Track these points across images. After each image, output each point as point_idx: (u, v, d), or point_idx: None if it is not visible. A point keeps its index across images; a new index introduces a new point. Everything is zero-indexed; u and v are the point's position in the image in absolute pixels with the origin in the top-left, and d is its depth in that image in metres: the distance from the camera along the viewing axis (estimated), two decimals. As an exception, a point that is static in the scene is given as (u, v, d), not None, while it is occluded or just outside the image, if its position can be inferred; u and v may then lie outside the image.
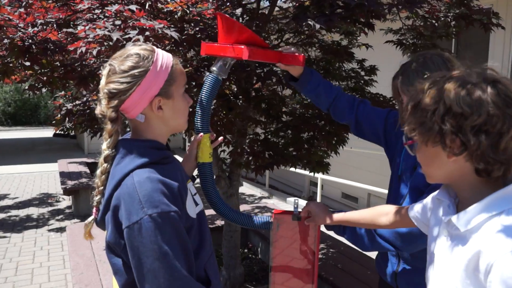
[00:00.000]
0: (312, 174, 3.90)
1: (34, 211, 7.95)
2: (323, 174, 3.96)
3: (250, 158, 3.43)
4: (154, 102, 1.50)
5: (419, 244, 1.82)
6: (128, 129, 1.68)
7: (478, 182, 1.20)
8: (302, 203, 2.08)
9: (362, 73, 4.13)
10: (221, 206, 1.97)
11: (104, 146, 1.50)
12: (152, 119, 1.53)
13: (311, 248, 2.08)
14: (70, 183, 7.94)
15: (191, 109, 1.73)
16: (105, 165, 1.50)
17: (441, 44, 4.25)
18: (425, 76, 1.80)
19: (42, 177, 10.99)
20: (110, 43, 2.10)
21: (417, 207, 1.55)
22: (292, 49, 2.12)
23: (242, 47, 1.85)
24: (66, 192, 7.72)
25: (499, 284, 1.04)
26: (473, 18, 3.38)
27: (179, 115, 1.60)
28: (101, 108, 1.51)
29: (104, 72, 1.52)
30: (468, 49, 6.38)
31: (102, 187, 1.50)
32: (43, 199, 8.82)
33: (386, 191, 2.24)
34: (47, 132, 20.74)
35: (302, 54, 2.10)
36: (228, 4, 3.02)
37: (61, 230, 6.87)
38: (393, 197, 2.10)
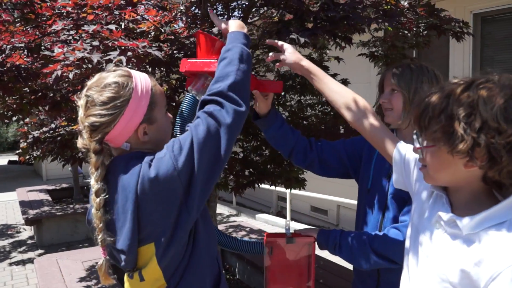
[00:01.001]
0: (279, 189, 3.89)
1: (-7, 244, 7.63)
2: (299, 189, 3.95)
3: (231, 177, 3.36)
4: (139, 129, 1.46)
5: None
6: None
7: (479, 189, 1.22)
8: (293, 225, 2.03)
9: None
10: None
11: (92, 181, 1.43)
12: (138, 144, 1.49)
13: (306, 270, 2.02)
14: (31, 212, 7.64)
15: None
16: (98, 200, 1.42)
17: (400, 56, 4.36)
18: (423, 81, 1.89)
19: (0, 208, 10.56)
20: (90, 65, 1.99)
21: (404, 158, 1.56)
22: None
23: None
24: (28, 222, 7.43)
25: None
26: (445, 28, 3.41)
27: (164, 134, 1.57)
28: (83, 141, 1.45)
29: (81, 103, 1.45)
30: (429, 60, 6.54)
31: (101, 225, 1.41)
32: (3, 231, 8.47)
33: (355, 202, 2.24)
34: (1, 160, 20.08)
35: (281, 82, 2.05)
36: (198, 22, 2.97)
37: (24, 262, 6.59)
38: (362, 212, 2.09)
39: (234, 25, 1.69)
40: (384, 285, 2.01)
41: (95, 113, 1.41)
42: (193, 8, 3.19)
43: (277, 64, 1.91)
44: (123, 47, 2.05)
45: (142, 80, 1.48)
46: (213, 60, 1.78)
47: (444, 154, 1.18)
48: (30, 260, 6.62)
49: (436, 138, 1.18)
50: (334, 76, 4.11)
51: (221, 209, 9.52)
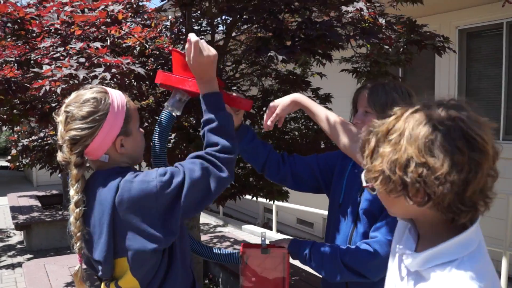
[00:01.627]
0: (266, 201, 3.96)
1: (-17, 248, 7.68)
2: (283, 201, 4.03)
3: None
4: (116, 142, 1.55)
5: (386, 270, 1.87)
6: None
7: (436, 220, 1.12)
8: (270, 235, 2.11)
9: (317, 101, 4.23)
10: None
11: (72, 192, 1.51)
12: (115, 157, 1.58)
13: (281, 280, 2.08)
14: (21, 217, 7.72)
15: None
16: (77, 210, 1.50)
17: (390, 70, 4.44)
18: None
19: (-9, 212, 10.60)
20: (76, 81, 2.10)
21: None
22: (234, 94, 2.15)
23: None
24: (18, 227, 7.51)
25: None
26: (425, 43, 3.52)
27: (138, 147, 1.68)
28: (64, 155, 1.54)
29: (61, 119, 1.54)
30: (415, 75, 6.62)
31: (79, 233, 1.50)
32: (-7, 235, 8.53)
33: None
34: (-8, 165, 20.03)
35: (251, 101, 2.11)
36: (183, 37, 3.08)
37: (13, 266, 6.66)
38: (333, 226, 2.14)
39: (201, 81, 1.71)
40: None
41: (76, 127, 1.50)
42: (178, 23, 3.31)
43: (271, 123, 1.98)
44: (108, 64, 2.17)
45: (117, 96, 1.58)
46: (188, 79, 1.84)
47: (389, 196, 1.11)
48: (19, 264, 6.65)
49: (369, 178, 1.13)
50: (317, 90, 4.23)
51: (208, 219, 9.58)
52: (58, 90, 2.17)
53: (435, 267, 1.07)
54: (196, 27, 3.51)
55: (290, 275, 4.79)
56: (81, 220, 1.51)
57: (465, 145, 1.01)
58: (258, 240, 7.76)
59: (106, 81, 2.15)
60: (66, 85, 2.18)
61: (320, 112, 1.91)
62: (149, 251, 1.48)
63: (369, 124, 1.19)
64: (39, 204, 8.99)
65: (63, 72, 2.05)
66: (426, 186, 1.01)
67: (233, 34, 3.57)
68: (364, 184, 1.19)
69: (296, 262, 2.10)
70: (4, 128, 3.17)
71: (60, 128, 1.54)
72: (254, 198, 3.93)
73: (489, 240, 5.52)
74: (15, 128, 4.29)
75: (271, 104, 1.97)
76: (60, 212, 8.30)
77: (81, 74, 2.08)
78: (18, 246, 7.80)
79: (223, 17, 3.50)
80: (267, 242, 2.06)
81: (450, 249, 1.07)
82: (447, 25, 6.04)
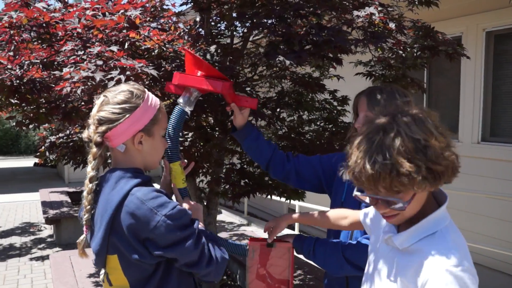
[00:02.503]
0: (288, 201, 4.03)
1: (17, 240, 7.98)
2: (299, 201, 4.10)
3: (228, 187, 3.56)
4: (136, 136, 1.66)
5: None
6: (109, 161, 1.82)
7: (425, 201, 1.35)
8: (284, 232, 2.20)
9: (335, 103, 4.31)
10: None
11: (89, 168, 1.66)
12: (131, 151, 1.69)
13: (285, 273, 2.16)
14: (51, 212, 7.99)
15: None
16: (90, 185, 1.64)
17: (413, 74, 4.46)
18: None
19: (24, 207, 10.98)
20: (94, 82, 2.25)
21: (365, 217, 1.75)
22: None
23: (221, 81, 2.01)
24: (48, 221, 7.76)
25: None
26: (439, 49, 3.55)
27: (155, 153, 1.76)
28: (89, 132, 1.68)
29: (98, 101, 1.69)
30: (440, 78, 6.60)
31: (89, 206, 1.64)
32: (26, 228, 8.83)
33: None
34: (28, 162, 20.59)
35: (256, 99, 2.25)
36: (202, 41, 3.20)
37: (43, 258, 6.91)
38: None
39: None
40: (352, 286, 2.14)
41: (106, 109, 1.64)
42: (197, 26, 3.44)
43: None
44: (123, 67, 2.32)
45: (153, 98, 1.72)
46: (204, 77, 2.02)
47: (424, 193, 1.32)
48: (48, 257, 6.87)
49: (419, 187, 1.25)
50: (334, 92, 4.31)
51: (232, 218, 9.71)
52: (79, 91, 2.34)
53: (420, 241, 1.32)
54: (214, 31, 3.63)
55: (295, 269, 4.89)
56: (92, 194, 1.64)
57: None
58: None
59: (121, 83, 2.28)
60: (85, 86, 2.34)
61: (312, 217, 2.11)
62: (134, 260, 1.59)
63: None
64: (69, 200, 9.26)
65: (81, 75, 2.21)
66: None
67: (252, 37, 3.68)
68: (397, 206, 1.31)
69: (301, 256, 2.20)
70: (30, 126, 3.36)
71: (95, 108, 1.68)
72: (279, 199, 4.01)
73: (496, 242, 5.51)
74: (44, 126, 4.50)
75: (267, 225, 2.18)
76: (88, 208, 8.49)
77: (98, 76, 2.23)
78: (48, 239, 8.07)
79: (242, 21, 3.58)
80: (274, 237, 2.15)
81: (429, 223, 1.32)
82: (474, 27, 5.96)
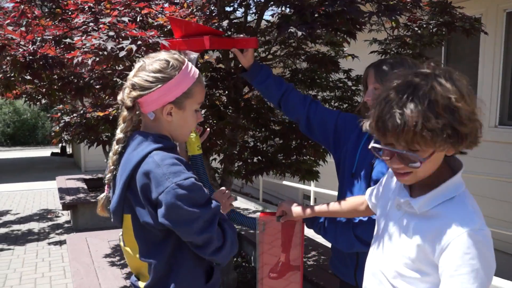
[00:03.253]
0: (304, 187, 4.02)
1: (35, 226, 8.10)
2: (313, 182, 4.08)
3: (241, 164, 3.56)
4: (166, 107, 1.64)
5: None
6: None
7: (440, 167, 1.35)
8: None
9: (349, 83, 4.27)
10: None
11: (118, 130, 1.67)
12: (160, 120, 1.67)
13: (296, 245, 2.17)
14: (68, 198, 8.08)
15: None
16: (116, 147, 1.66)
17: (431, 54, 4.38)
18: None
19: (42, 194, 11.15)
20: (105, 52, 2.25)
21: (370, 195, 1.75)
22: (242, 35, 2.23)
23: (203, 37, 2.02)
24: (65, 206, 7.84)
25: (459, 257, 1.23)
26: (455, 25, 3.49)
27: (185, 126, 1.73)
28: (123, 96, 1.68)
29: (136, 65, 1.68)
30: (458, 59, 6.51)
31: (113, 167, 1.66)
32: (43, 215, 8.95)
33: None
34: (45, 152, 20.94)
35: (255, 38, 2.22)
36: (215, 15, 3.18)
37: (60, 243, 7.02)
38: (344, 194, 2.20)
39: None
40: (362, 266, 2.13)
41: (141, 76, 1.63)
42: (210, 4, 3.42)
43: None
44: (134, 37, 2.31)
45: (191, 71, 1.68)
46: (190, 38, 2.08)
47: (441, 154, 1.31)
48: (66, 241, 7.01)
49: (440, 145, 1.25)
50: (349, 71, 4.27)
51: (248, 204, 9.72)
52: (89, 62, 2.33)
53: (439, 206, 1.32)
54: (228, 8, 3.61)
55: (309, 250, 4.89)
56: (117, 156, 1.65)
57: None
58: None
59: (134, 54, 2.28)
60: (96, 57, 2.34)
61: (322, 208, 2.06)
62: (143, 223, 1.60)
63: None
64: (85, 187, 9.34)
65: (92, 43, 2.20)
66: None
67: (267, 16, 3.67)
68: (416, 164, 1.30)
69: (314, 237, 2.19)
70: (42, 101, 3.39)
71: (132, 72, 1.68)
72: (294, 184, 4.00)
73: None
74: (59, 107, 4.55)
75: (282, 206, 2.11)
76: (105, 194, 8.59)
77: (109, 45, 2.23)
78: (66, 225, 8.18)
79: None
80: None
81: (448, 188, 1.33)
82: (494, 8, 5.87)
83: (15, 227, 8.06)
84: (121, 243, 1.77)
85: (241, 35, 2.22)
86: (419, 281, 1.34)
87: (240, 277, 4.72)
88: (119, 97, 1.70)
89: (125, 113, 1.65)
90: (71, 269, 4.60)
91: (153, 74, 1.62)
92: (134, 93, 1.63)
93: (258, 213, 2.21)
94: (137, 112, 1.68)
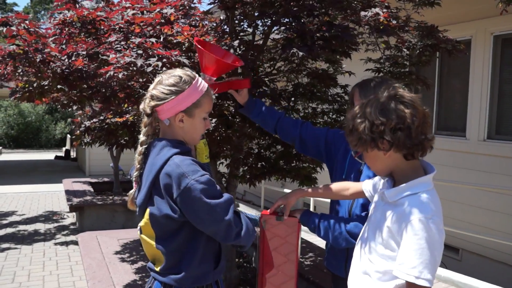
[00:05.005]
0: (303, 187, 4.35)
1: (41, 227, 8.38)
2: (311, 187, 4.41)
3: (246, 168, 3.92)
4: (178, 115, 1.95)
5: None
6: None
7: (407, 168, 1.70)
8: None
9: (346, 97, 4.63)
10: None
11: (141, 134, 1.98)
12: (174, 126, 1.98)
13: (293, 244, 2.35)
14: (75, 200, 8.41)
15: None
16: (140, 148, 1.99)
17: (423, 73, 4.71)
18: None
19: (46, 196, 11.44)
20: (135, 68, 2.64)
21: (369, 185, 2.08)
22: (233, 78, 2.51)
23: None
24: (72, 208, 8.15)
25: (410, 237, 1.57)
26: (440, 46, 3.88)
27: (194, 131, 2.02)
28: (144, 105, 2.00)
29: (156, 80, 2.00)
30: (450, 80, 6.90)
31: (139, 166, 1.99)
32: (49, 216, 9.24)
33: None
34: (49, 155, 21.12)
35: (248, 79, 2.55)
36: (227, 36, 3.56)
37: (67, 244, 7.30)
38: (336, 200, 2.47)
39: None
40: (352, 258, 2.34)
41: (158, 88, 1.93)
42: (222, 24, 3.79)
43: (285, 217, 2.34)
44: (160, 55, 2.70)
45: (200, 85, 1.96)
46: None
47: (366, 153, 1.72)
48: (72, 242, 7.34)
49: (354, 146, 1.71)
50: (345, 86, 4.63)
51: (249, 211, 10.02)
52: (120, 75, 2.72)
53: (405, 197, 1.64)
54: (238, 29, 3.99)
55: (316, 256, 5.20)
56: (142, 156, 1.98)
57: (405, 106, 1.63)
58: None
59: (158, 69, 2.66)
60: (126, 72, 2.72)
61: (317, 190, 2.32)
62: (164, 214, 1.88)
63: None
64: (92, 190, 9.67)
65: (125, 60, 2.59)
66: (387, 136, 1.61)
67: (272, 36, 4.02)
68: (354, 155, 1.81)
69: (311, 239, 2.43)
70: (74, 107, 3.77)
71: (152, 86, 2.00)
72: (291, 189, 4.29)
73: (504, 235, 5.76)
74: (79, 112, 4.93)
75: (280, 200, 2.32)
76: (110, 197, 8.95)
77: (139, 62, 2.62)
78: (71, 226, 8.48)
79: (263, 20, 3.93)
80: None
81: (415, 185, 1.65)
82: (482, 31, 6.25)
83: (21, 227, 8.34)
84: (138, 232, 2.08)
85: (234, 78, 2.53)
86: (389, 258, 1.69)
87: (241, 276, 5.05)
88: (141, 106, 2.01)
89: (145, 119, 1.97)
90: (84, 263, 4.93)
91: (168, 88, 1.91)
92: (152, 103, 1.93)
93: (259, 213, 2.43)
94: (155, 118, 2.00)
